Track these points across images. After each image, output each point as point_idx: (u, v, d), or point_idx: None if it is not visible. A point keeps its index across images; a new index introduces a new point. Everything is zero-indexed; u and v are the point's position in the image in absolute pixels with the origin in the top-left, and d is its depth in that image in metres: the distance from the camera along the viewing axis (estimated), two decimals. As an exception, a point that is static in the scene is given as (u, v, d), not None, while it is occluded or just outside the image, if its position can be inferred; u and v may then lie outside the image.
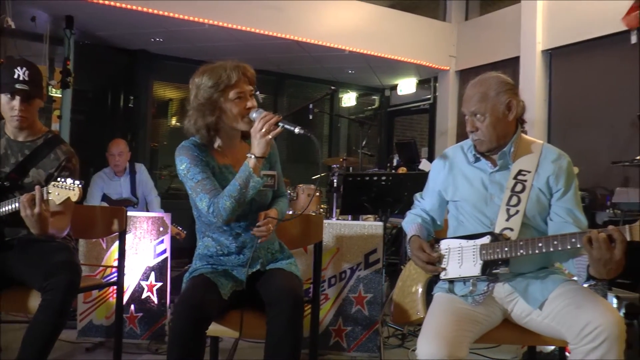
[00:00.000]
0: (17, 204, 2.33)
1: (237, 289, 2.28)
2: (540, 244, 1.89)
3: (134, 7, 6.04)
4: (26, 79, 2.46)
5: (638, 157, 3.73)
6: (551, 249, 1.86)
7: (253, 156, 2.16)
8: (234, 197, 2.14)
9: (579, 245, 1.80)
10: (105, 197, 4.90)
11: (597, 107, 6.36)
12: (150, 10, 6.13)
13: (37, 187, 2.28)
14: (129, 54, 7.72)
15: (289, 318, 2.06)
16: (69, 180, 2.24)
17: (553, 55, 6.99)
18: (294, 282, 2.26)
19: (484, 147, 2.17)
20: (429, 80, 9.00)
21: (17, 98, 2.48)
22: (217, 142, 2.36)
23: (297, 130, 2.17)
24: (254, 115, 2.22)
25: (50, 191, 2.25)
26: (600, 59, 6.41)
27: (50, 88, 6.49)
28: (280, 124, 2.17)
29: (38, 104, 2.60)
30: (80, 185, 2.24)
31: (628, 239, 1.74)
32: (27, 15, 6.11)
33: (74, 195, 2.23)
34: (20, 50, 5.74)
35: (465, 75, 8.31)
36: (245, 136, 2.37)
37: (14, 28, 5.47)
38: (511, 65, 7.40)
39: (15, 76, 2.45)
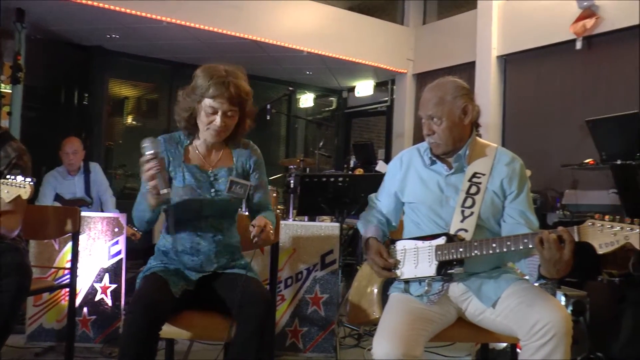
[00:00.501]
0: None
1: (188, 288, 2.25)
2: (494, 245, 1.94)
3: (90, 3, 5.92)
4: None
5: (586, 161, 3.87)
6: (504, 249, 1.92)
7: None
8: (141, 210, 2.22)
9: (530, 246, 1.87)
10: (58, 197, 4.77)
11: (549, 112, 6.55)
12: (106, 6, 6.01)
13: None
14: (84, 50, 7.55)
15: (260, 322, 2.06)
16: (20, 178, 2.17)
17: (507, 61, 7.16)
18: (262, 287, 2.27)
19: (439, 150, 2.21)
20: (386, 82, 9.09)
21: None
22: (196, 140, 2.37)
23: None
24: (144, 145, 2.11)
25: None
26: (551, 65, 6.61)
27: (-1, 84, 6.30)
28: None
29: None
30: (31, 183, 2.17)
31: (576, 239, 1.81)
32: (-26, 8, 5.93)
33: (25, 193, 2.16)
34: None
35: (422, 79, 8.43)
36: (229, 141, 2.40)
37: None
38: (467, 69, 7.55)
39: None
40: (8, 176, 2.19)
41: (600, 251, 1.77)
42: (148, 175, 2.06)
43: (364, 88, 9.30)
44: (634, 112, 3.29)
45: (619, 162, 3.34)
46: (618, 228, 1.74)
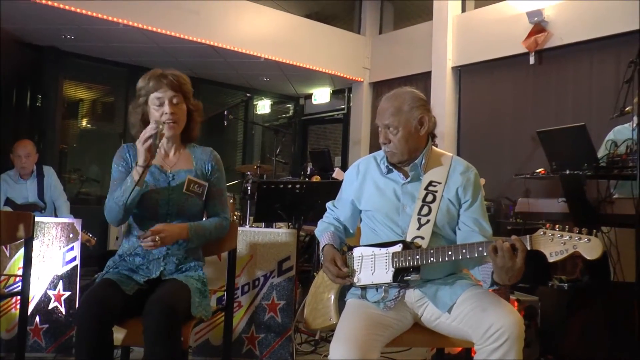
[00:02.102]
0: None
1: (141, 288, 2.26)
2: (449, 252, 2.00)
3: (44, 2, 5.79)
4: None
5: (538, 170, 3.99)
6: (460, 257, 1.98)
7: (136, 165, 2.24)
8: (115, 200, 2.26)
9: (485, 254, 1.93)
10: (8, 202, 4.64)
11: (502, 122, 6.75)
12: (61, 6, 5.91)
13: None
14: (37, 49, 7.37)
15: (158, 329, 2.01)
16: None
17: (462, 72, 7.35)
18: (175, 292, 2.20)
19: (395, 159, 2.25)
20: (343, 90, 9.19)
21: None
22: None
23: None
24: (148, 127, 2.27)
25: None
26: (504, 77, 6.82)
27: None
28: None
29: None
30: None
31: (529, 248, 1.88)
32: None
33: None
34: None
35: (379, 88, 8.55)
36: (187, 141, 2.47)
37: None
38: (423, 79, 7.70)
39: None
40: None
41: (550, 259, 1.84)
42: (145, 137, 2.19)
43: (320, 95, 9.37)
44: (582, 124, 3.42)
45: (567, 172, 3.46)
46: (567, 237, 1.81)
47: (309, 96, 9.64)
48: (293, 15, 8.03)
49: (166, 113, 2.32)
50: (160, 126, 2.25)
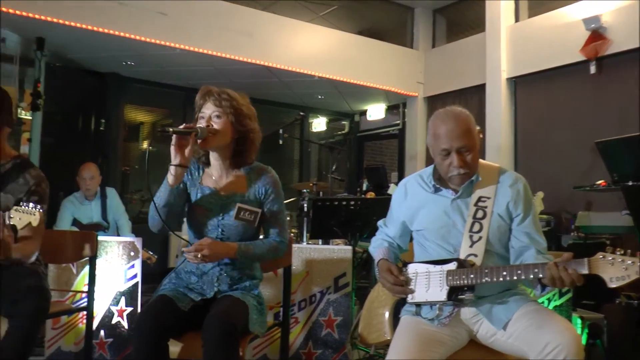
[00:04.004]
0: None
1: (197, 304, 2.32)
2: (504, 273, 1.96)
3: (106, 30, 6.05)
4: None
5: (598, 182, 3.87)
6: (515, 278, 1.94)
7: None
8: (153, 200, 2.29)
9: (541, 275, 1.89)
10: (75, 222, 4.85)
11: (560, 133, 6.57)
12: (121, 34, 6.15)
13: None
14: (100, 76, 7.68)
15: (217, 344, 2.06)
16: (31, 205, 2.21)
17: (517, 83, 7.21)
18: (234, 308, 2.24)
19: (467, 178, 2.20)
20: (397, 105, 9.15)
21: None
22: (212, 164, 2.45)
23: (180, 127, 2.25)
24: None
25: (12, 216, 2.21)
26: (561, 87, 6.65)
27: (20, 110, 6.43)
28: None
29: (7, 131, 2.58)
30: (41, 210, 2.21)
31: (586, 272, 1.81)
32: (-4, 37, 6.09)
33: (35, 220, 2.19)
34: (-10, 71, 5.70)
35: (433, 102, 8.49)
36: (241, 164, 2.44)
37: (-17, 49, 5.45)
38: (477, 92, 7.60)
39: None
40: (21, 203, 2.23)
41: (611, 285, 1.76)
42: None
43: (375, 111, 9.35)
44: (642, 134, 3.31)
45: (630, 183, 3.35)
46: (630, 262, 1.73)
47: (364, 112, 9.63)
48: (345, 32, 8.08)
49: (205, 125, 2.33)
50: (198, 131, 2.24)
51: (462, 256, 2.12)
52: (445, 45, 8.64)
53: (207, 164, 2.46)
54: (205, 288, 2.37)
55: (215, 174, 2.45)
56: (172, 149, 2.23)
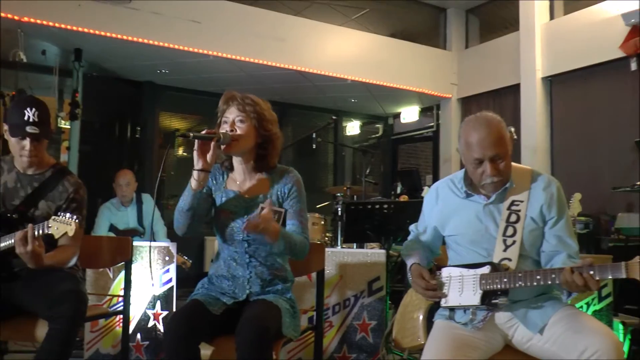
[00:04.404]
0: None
1: (229, 307, 2.33)
2: (538, 277, 1.93)
3: (140, 40, 6.19)
4: (35, 120, 2.48)
5: (638, 183, 3.76)
6: (549, 282, 1.91)
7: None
8: (177, 204, 2.33)
9: (557, 281, 1.87)
10: (112, 228, 4.94)
11: (598, 133, 6.42)
12: (156, 43, 6.28)
13: (30, 225, 2.31)
14: (135, 85, 7.84)
15: (251, 348, 2.06)
16: (68, 215, 2.26)
17: (553, 82, 7.08)
18: (267, 312, 2.25)
19: (500, 185, 2.16)
20: (431, 107, 9.08)
21: (27, 139, 2.51)
22: (235, 168, 2.47)
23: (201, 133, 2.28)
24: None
25: (50, 225, 2.28)
26: (599, 85, 6.50)
27: (59, 120, 6.60)
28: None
29: (47, 141, 2.65)
30: (77, 220, 2.26)
31: (624, 276, 1.77)
32: (37, 49, 6.27)
33: (71, 230, 2.25)
34: (31, 82, 5.88)
35: (467, 103, 8.41)
36: (264, 168, 2.45)
37: (25, 62, 5.62)
38: (512, 92, 7.50)
39: (25, 118, 2.47)
40: (59, 213, 2.29)
41: None
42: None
43: (409, 114, 9.30)
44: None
45: (672, 183, 3.24)
46: None
47: (398, 115, 9.59)
48: (377, 35, 8.06)
49: (228, 130, 2.35)
50: (221, 136, 2.27)
51: (495, 260, 2.09)
52: (478, 46, 8.54)
53: (231, 168, 2.48)
54: (237, 291, 2.38)
55: (239, 178, 2.47)
56: (195, 153, 2.27)
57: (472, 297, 2.07)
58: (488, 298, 2.04)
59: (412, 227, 2.51)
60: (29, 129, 2.48)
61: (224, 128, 2.35)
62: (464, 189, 2.23)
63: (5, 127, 2.56)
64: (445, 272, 2.20)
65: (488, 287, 2.04)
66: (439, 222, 2.32)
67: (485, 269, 2.07)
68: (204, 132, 2.26)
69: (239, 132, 2.33)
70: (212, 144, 2.25)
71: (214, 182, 2.48)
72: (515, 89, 7.42)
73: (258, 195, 2.41)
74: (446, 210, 2.29)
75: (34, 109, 2.49)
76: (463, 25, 8.79)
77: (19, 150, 2.55)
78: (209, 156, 2.26)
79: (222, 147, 2.29)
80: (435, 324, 2.18)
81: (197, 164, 2.27)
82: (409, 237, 2.50)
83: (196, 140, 2.25)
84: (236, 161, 2.45)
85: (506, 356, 2.13)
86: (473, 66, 8.35)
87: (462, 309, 2.12)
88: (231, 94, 2.40)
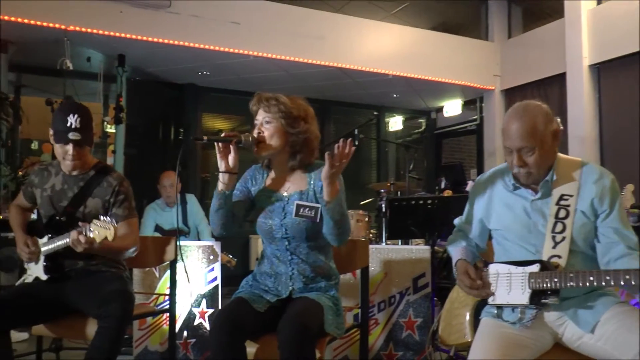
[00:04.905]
0: (67, 240, 2.48)
1: (273, 305, 2.35)
2: (591, 278, 1.84)
3: (181, 43, 6.29)
4: (78, 126, 2.57)
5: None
6: (603, 284, 1.82)
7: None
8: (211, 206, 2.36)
9: (633, 283, 1.75)
10: (157, 228, 5.03)
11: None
12: (196, 45, 6.36)
13: (72, 231, 2.41)
14: (177, 88, 7.97)
15: (292, 346, 2.07)
16: (108, 219, 2.34)
17: (601, 70, 6.85)
18: (308, 310, 2.24)
19: (530, 180, 2.10)
20: (474, 100, 8.94)
21: (70, 145, 2.60)
22: (273, 167, 2.49)
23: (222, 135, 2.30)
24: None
25: (92, 229, 2.36)
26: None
27: (105, 124, 6.76)
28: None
29: (89, 146, 2.73)
30: (116, 225, 2.35)
31: None
32: (83, 56, 6.45)
33: (110, 235, 2.32)
34: (78, 89, 6.04)
35: (511, 94, 8.22)
36: (298, 167, 2.44)
37: (71, 69, 5.79)
38: (557, 81, 7.30)
39: (68, 124, 2.55)
40: (101, 217, 2.37)
41: None
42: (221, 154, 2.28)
43: (452, 107, 9.17)
44: None
45: None
46: None
47: (440, 109, 9.48)
48: (418, 29, 7.98)
49: (256, 133, 2.36)
50: (242, 139, 2.28)
51: (544, 257, 2.02)
52: (521, 35, 8.34)
53: (271, 168, 2.50)
54: (280, 288, 2.39)
55: (278, 177, 2.48)
56: (218, 156, 2.30)
57: (521, 296, 2.01)
58: (537, 297, 1.97)
59: (457, 221, 2.45)
60: (71, 135, 2.57)
61: (255, 130, 2.37)
62: (512, 182, 2.17)
63: (51, 132, 2.66)
64: (492, 268, 2.14)
65: (537, 286, 1.96)
66: (484, 214, 2.26)
67: (535, 267, 2.00)
68: (222, 134, 2.28)
69: (266, 133, 2.34)
70: (232, 146, 2.27)
71: (254, 182, 2.50)
72: (560, 78, 7.21)
73: (295, 192, 2.42)
74: (492, 202, 2.23)
75: (76, 116, 2.58)
76: (505, 15, 8.60)
77: (62, 154, 2.65)
78: (230, 158, 2.29)
79: (254, 149, 2.33)
80: (482, 322, 2.13)
81: (220, 166, 2.30)
82: (454, 232, 2.45)
83: (218, 144, 2.27)
84: (273, 161, 2.47)
85: (556, 355, 2.05)
86: (516, 56, 8.17)
87: (510, 307, 2.06)
88: (258, 96, 2.40)
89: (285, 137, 2.37)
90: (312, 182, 2.41)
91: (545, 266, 1.98)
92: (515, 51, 8.22)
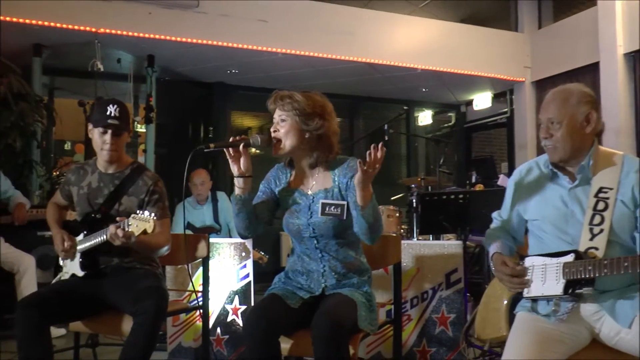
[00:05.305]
0: (104, 236, 2.54)
1: (307, 301, 2.35)
2: (626, 264, 1.80)
3: (210, 42, 6.34)
4: (117, 115, 2.67)
5: None
6: (638, 270, 1.78)
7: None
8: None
9: None
10: (189, 225, 5.07)
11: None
12: (225, 44, 6.42)
13: (111, 225, 2.45)
14: (206, 86, 8.04)
15: (326, 342, 2.06)
16: (146, 213, 2.38)
17: (637, 58, 6.68)
18: (341, 306, 2.23)
19: (556, 156, 2.09)
20: (504, 93, 8.82)
21: (109, 132, 2.68)
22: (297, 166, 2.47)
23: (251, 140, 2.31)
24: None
25: (130, 223, 2.39)
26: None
27: (135, 124, 6.85)
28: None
29: (125, 139, 2.80)
30: (154, 218, 2.38)
31: None
32: (113, 58, 6.54)
33: (149, 227, 2.36)
34: (108, 90, 6.12)
35: (542, 86, 8.08)
36: (319, 164, 2.42)
37: (102, 71, 5.88)
38: (590, 71, 7.14)
39: (108, 113, 2.66)
40: (138, 211, 2.41)
41: None
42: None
43: (482, 101, 9.06)
44: None
45: None
46: None
47: (470, 102, 9.38)
48: (446, 22, 7.90)
49: (273, 131, 2.36)
50: (250, 141, 2.28)
51: (581, 249, 1.98)
52: (552, 25, 8.18)
53: (293, 166, 2.49)
54: (313, 286, 2.39)
55: (301, 175, 2.46)
56: (230, 162, 2.31)
57: (555, 286, 1.98)
58: (572, 288, 1.94)
59: (494, 215, 2.42)
60: (110, 121, 2.66)
61: (272, 128, 2.37)
62: (550, 167, 2.14)
63: (90, 126, 2.75)
64: (527, 261, 2.12)
65: (572, 276, 1.93)
66: (521, 205, 2.24)
67: (569, 257, 1.97)
68: (230, 139, 2.29)
69: (281, 131, 2.33)
70: (242, 149, 2.27)
71: (277, 182, 2.50)
72: (594, 68, 7.05)
73: (320, 190, 2.40)
74: (529, 191, 2.21)
75: (115, 106, 2.69)
76: (535, 4, 8.44)
77: (100, 144, 2.72)
78: (242, 162, 2.29)
79: (272, 151, 2.34)
80: (517, 317, 2.10)
81: (234, 171, 2.31)
82: (491, 226, 2.41)
83: (228, 149, 2.28)
84: (294, 159, 2.45)
85: (593, 352, 2.00)
86: (547, 47, 8.01)
87: (544, 299, 2.03)
88: (274, 95, 2.39)
89: (300, 135, 2.34)
90: (336, 180, 2.39)
91: (580, 256, 1.95)
92: (546, 41, 8.07)
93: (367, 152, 2.08)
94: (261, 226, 2.44)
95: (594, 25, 6.96)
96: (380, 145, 2.09)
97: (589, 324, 2.01)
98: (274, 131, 2.34)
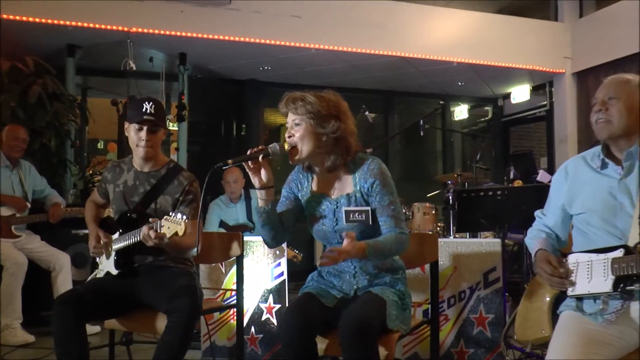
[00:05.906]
0: (138, 237, 2.56)
1: (341, 300, 2.32)
2: None
3: (242, 39, 6.32)
4: (152, 111, 2.69)
5: None
6: None
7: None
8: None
9: None
10: (222, 224, 5.07)
11: None
12: (257, 40, 6.39)
13: (144, 226, 2.48)
14: (239, 84, 8.03)
15: (353, 342, 2.03)
16: (179, 215, 2.38)
17: (684, 47, 6.43)
18: (369, 305, 2.18)
19: (606, 132, 2.01)
20: (543, 85, 8.59)
21: (145, 128, 2.70)
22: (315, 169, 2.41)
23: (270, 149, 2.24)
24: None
25: (162, 225, 2.41)
26: None
27: (167, 122, 6.89)
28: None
29: (161, 136, 2.82)
30: (186, 220, 2.37)
31: None
32: (145, 57, 6.59)
33: (181, 230, 2.36)
34: (141, 89, 6.19)
35: (583, 77, 7.84)
36: (338, 167, 2.35)
37: (135, 70, 5.94)
38: (634, 61, 6.87)
39: (144, 109, 2.68)
40: (171, 213, 2.41)
41: None
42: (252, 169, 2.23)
43: (519, 94, 8.86)
44: None
45: None
46: None
47: (507, 96, 9.18)
48: (483, 13, 7.74)
49: (288, 136, 2.29)
50: (269, 151, 2.22)
51: (631, 244, 1.89)
52: (594, 13, 7.93)
53: (312, 170, 2.42)
54: (345, 287, 2.36)
55: (322, 180, 2.40)
56: (250, 174, 2.25)
57: (603, 283, 1.90)
58: (621, 284, 1.85)
59: (537, 213, 2.35)
60: (146, 117, 2.68)
61: (287, 133, 2.30)
62: (601, 157, 2.06)
63: (126, 124, 2.78)
64: (572, 258, 2.04)
65: (621, 272, 1.85)
66: (567, 199, 2.15)
67: (618, 252, 1.88)
68: (249, 152, 2.23)
69: (296, 135, 2.25)
70: (262, 160, 2.21)
71: (299, 187, 2.45)
72: (638, 58, 6.81)
73: (342, 195, 2.33)
74: (575, 185, 2.13)
75: (151, 103, 2.70)
76: (576, -9, 8.22)
77: (136, 141, 2.74)
78: (263, 174, 2.24)
79: (294, 158, 2.28)
80: (561, 317, 2.02)
81: (255, 183, 2.26)
82: (534, 224, 2.34)
83: (246, 163, 2.22)
84: (313, 163, 2.38)
85: (642, 355, 1.91)
86: (589, 36, 7.76)
87: (591, 297, 1.95)
88: (287, 97, 2.31)
89: (317, 138, 2.26)
90: (357, 184, 2.32)
91: (630, 251, 1.87)
92: (588, 31, 7.82)
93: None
94: (287, 234, 2.41)
95: (638, 13, 6.71)
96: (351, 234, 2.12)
97: (638, 325, 1.91)
98: (289, 136, 2.27)
